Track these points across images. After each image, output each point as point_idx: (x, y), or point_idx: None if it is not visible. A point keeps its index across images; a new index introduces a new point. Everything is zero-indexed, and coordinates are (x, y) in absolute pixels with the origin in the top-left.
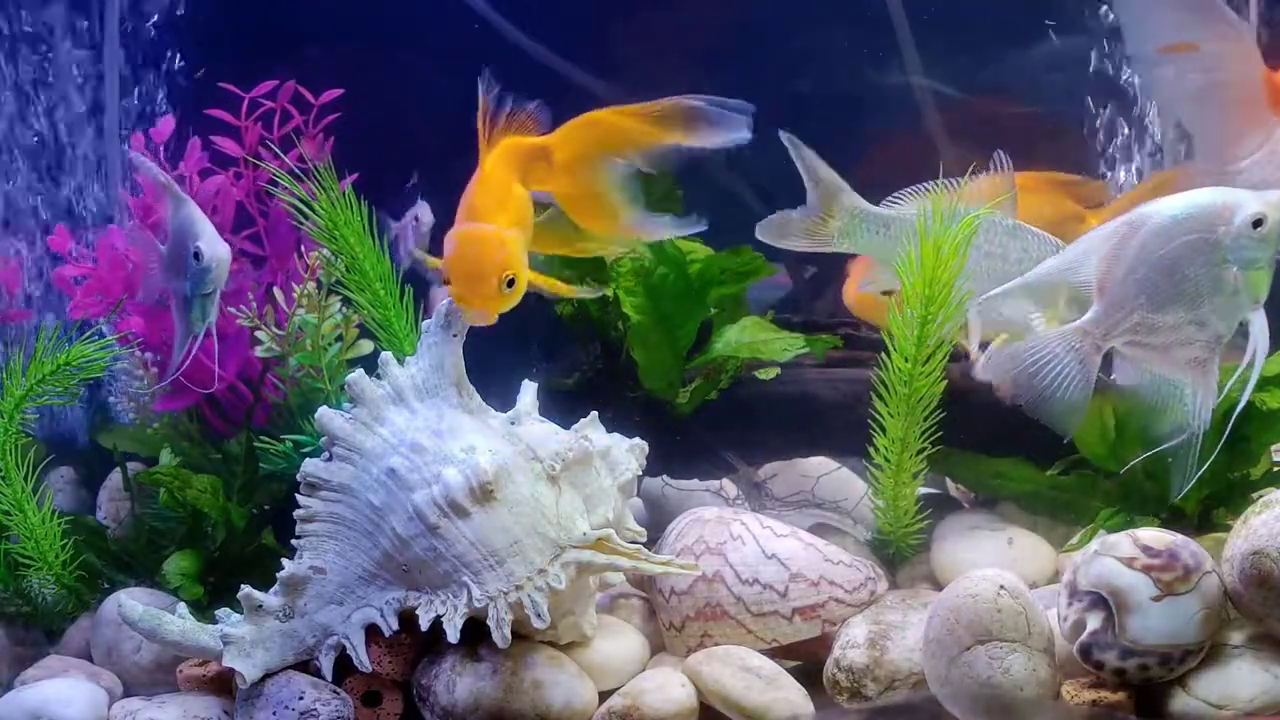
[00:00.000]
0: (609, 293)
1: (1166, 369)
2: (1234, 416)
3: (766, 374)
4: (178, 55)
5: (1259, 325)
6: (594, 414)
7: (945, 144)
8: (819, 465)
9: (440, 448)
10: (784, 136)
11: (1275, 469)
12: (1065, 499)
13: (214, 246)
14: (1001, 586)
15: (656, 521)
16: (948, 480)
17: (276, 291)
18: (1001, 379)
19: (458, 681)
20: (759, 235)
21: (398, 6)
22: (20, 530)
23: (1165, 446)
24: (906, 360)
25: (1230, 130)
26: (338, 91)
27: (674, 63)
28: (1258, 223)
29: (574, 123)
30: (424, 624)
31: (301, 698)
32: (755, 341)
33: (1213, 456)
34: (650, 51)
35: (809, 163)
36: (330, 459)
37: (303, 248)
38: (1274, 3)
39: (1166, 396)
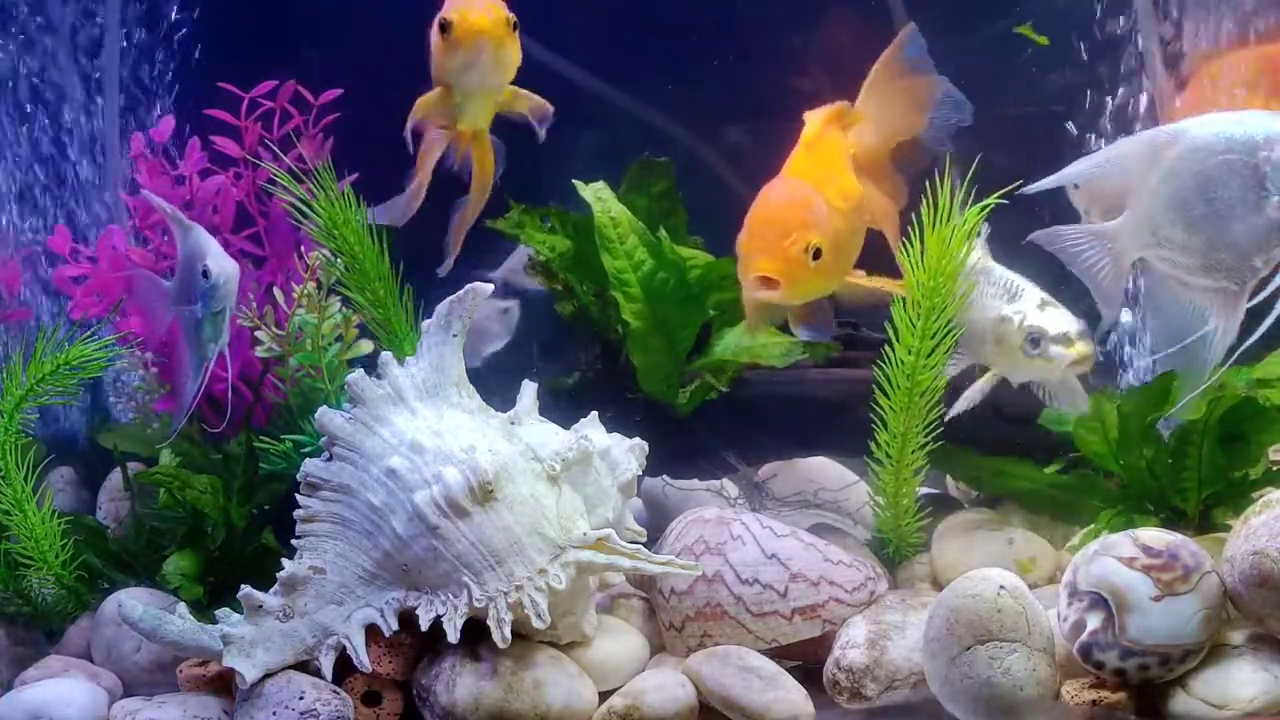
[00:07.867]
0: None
1: (1195, 294)
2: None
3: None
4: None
5: None
6: (594, 414)
7: None
8: (820, 466)
9: (440, 447)
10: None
11: (1275, 468)
12: (1066, 498)
13: (221, 263)
14: (1001, 586)
15: (656, 521)
16: (948, 479)
17: (276, 291)
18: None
19: (458, 681)
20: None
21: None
22: (20, 530)
23: (1172, 351)
24: (909, 353)
25: None
26: (337, 92)
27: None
28: None
29: None
30: (424, 624)
31: (301, 698)
32: (755, 345)
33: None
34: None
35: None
36: (330, 459)
37: (302, 248)
38: (1274, 3)
39: (1188, 323)
